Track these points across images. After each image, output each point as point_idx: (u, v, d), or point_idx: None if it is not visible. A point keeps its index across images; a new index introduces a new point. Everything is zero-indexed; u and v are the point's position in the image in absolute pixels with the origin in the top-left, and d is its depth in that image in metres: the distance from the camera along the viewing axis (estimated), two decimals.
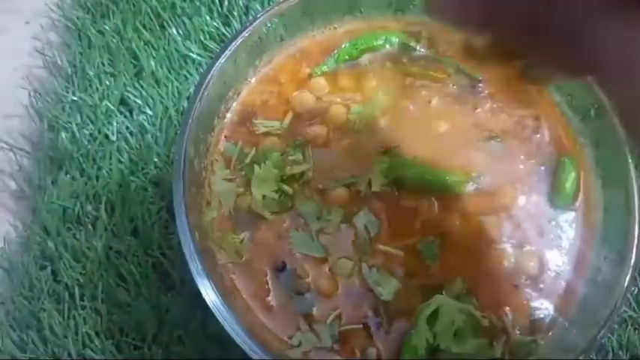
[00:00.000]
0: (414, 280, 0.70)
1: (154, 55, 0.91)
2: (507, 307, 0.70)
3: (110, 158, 0.84)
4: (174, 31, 0.93)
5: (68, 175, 0.83)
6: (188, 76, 0.90)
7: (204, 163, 0.75)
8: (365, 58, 0.82)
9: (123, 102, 0.89)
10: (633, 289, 0.80)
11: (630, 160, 0.72)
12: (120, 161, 0.84)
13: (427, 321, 0.65)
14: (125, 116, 0.88)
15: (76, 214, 0.81)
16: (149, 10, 0.94)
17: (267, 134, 0.77)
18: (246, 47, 0.77)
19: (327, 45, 0.82)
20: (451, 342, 0.65)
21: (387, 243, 0.72)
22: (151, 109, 0.88)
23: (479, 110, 0.80)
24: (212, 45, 0.93)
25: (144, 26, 0.93)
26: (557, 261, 0.73)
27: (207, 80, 0.72)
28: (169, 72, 0.90)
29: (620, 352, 0.77)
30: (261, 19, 0.77)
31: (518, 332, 0.69)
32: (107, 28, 0.93)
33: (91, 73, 0.90)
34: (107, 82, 0.89)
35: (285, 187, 0.73)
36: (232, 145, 0.76)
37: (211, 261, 0.69)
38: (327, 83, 0.80)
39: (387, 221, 0.73)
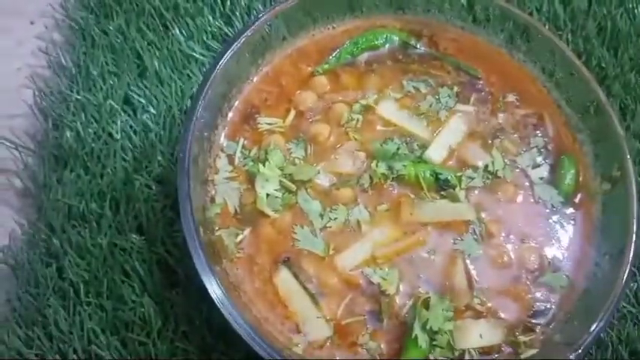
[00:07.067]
0: (414, 271, 0.72)
1: (158, 54, 0.92)
2: (507, 300, 0.71)
3: (114, 156, 0.85)
4: (178, 31, 0.94)
5: (73, 173, 0.84)
6: (191, 75, 0.91)
7: (208, 161, 0.76)
8: (366, 57, 0.83)
9: (127, 101, 0.90)
10: (633, 284, 0.80)
11: (629, 156, 0.73)
12: (124, 159, 0.85)
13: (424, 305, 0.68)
14: (129, 115, 0.89)
15: (81, 212, 0.82)
16: (152, 10, 0.95)
17: (270, 132, 0.78)
18: (248, 46, 0.78)
19: (325, 44, 0.84)
20: (443, 324, 0.67)
21: (389, 237, 0.73)
22: (154, 108, 0.89)
23: (480, 108, 0.81)
24: (215, 45, 0.94)
25: (147, 26, 0.94)
26: (557, 256, 0.74)
27: (210, 79, 0.73)
28: (172, 71, 0.91)
29: (620, 347, 0.77)
30: (263, 18, 0.78)
31: (518, 324, 0.70)
32: (111, 28, 0.94)
33: (95, 73, 0.91)
34: (111, 82, 0.90)
35: (289, 184, 0.74)
36: (235, 142, 0.77)
37: (215, 256, 0.70)
38: (329, 81, 0.81)
39: (388, 216, 0.74)
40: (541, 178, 0.77)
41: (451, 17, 0.85)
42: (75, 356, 0.75)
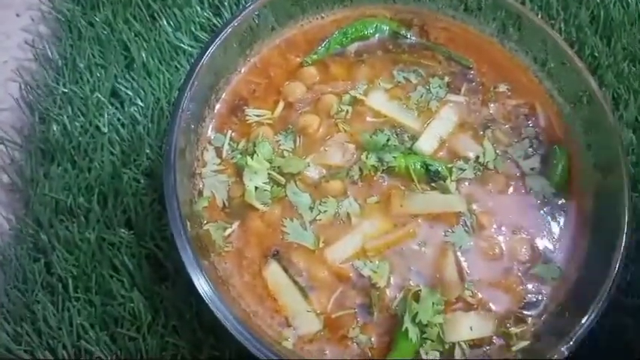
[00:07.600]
0: (405, 263, 0.71)
1: (145, 46, 0.91)
2: (499, 292, 0.70)
3: (102, 150, 0.84)
4: (165, 22, 0.92)
5: (60, 168, 0.83)
6: (179, 67, 0.90)
7: (196, 154, 0.75)
8: (355, 47, 0.82)
9: (114, 94, 0.88)
10: (625, 275, 0.79)
11: (621, 147, 0.72)
12: (112, 153, 0.84)
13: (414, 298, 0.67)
14: (116, 108, 0.87)
15: (69, 207, 0.81)
16: (139, 1, 0.93)
17: (258, 124, 0.77)
18: (236, 36, 0.77)
19: (314, 35, 0.83)
20: (432, 317, 0.66)
21: (379, 230, 0.72)
22: (142, 100, 0.87)
23: (471, 98, 0.81)
24: (203, 36, 0.92)
25: (134, 17, 0.93)
26: (549, 247, 0.74)
27: (196, 70, 0.72)
28: (160, 63, 0.90)
29: (612, 338, 0.77)
30: (250, 8, 0.77)
31: (509, 316, 0.70)
32: (97, 19, 0.93)
33: (82, 65, 0.89)
34: (98, 74, 0.89)
35: (278, 177, 0.73)
36: (223, 135, 0.76)
37: (204, 250, 0.69)
38: (318, 72, 0.80)
39: (378, 208, 0.73)
40: (532, 169, 0.77)
41: (442, 6, 0.84)
42: (64, 352, 0.74)
